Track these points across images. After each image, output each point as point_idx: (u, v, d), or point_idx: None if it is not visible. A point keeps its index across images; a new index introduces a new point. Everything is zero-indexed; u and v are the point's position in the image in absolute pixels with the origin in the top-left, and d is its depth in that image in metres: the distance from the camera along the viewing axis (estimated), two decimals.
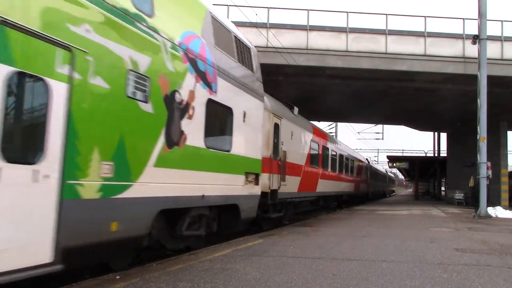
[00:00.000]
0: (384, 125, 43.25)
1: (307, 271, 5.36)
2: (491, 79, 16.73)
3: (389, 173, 65.62)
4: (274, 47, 16.50)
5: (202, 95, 6.77)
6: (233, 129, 7.93)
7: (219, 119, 7.65)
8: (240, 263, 5.75)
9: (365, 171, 31.39)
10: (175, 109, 6.04)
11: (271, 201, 10.62)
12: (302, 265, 5.70)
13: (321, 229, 10.63)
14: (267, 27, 17.19)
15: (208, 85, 6.98)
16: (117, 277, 4.84)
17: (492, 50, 17.38)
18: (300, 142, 13.78)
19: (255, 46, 17.45)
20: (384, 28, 17.94)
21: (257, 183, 9.06)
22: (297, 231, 10.04)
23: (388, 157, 45.06)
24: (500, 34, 18.15)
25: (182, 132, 6.19)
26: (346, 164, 23.15)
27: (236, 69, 8.29)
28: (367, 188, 32.27)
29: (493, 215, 16.50)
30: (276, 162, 11.06)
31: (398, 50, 17.79)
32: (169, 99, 5.91)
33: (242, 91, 8.41)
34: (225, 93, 7.60)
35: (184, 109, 6.28)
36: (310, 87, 20.30)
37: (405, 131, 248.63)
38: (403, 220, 14.25)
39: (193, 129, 6.49)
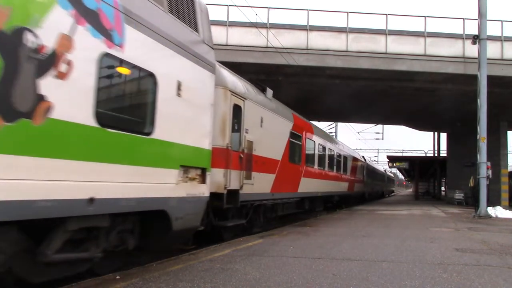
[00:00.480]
0: (384, 125, 43.39)
1: (307, 271, 5.36)
2: (491, 79, 16.75)
3: (388, 173, 65.15)
4: (274, 47, 16.51)
5: (90, 46, 4.54)
6: (157, 104, 5.57)
7: (129, 87, 5.43)
8: (240, 263, 5.75)
9: (361, 169, 29.45)
10: (24, 58, 3.85)
11: (228, 205, 8.37)
12: (302, 265, 5.70)
13: (321, 229, 10.62)
14: (267, 27, 17.21)
15: (105, 33, 4.74)
16: (117, 277, 4.84)
17: (492, 50, 17.41)
18: (274, 132, 11.33)
19: (255, 46, 17.69)
20: (384, 28, 17.96)
21: (203, 181, 6.76)
22: (297, 231, 10.04)
23: (388, 157, 45.16)
24: (500, 34, 18.19)
25: (41, 98, 3.99)
26: (338, 161, 20.97)
27: (166, 21, 5.98)
28: (363, 188, 30.38)
29: (493, 215, 16.51)
30: (236, 154, 8.80)
31: (398, 50, 17.82)
32: (6, 40, 3.70)
33: (175, 53, 6.08)
34: (141, 51, 5.36)
35: (48, 63, 4.07)
36: (310, 87, 20.32)
37: (405, 131, 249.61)
38: (403, 220, 14.25)
39: (70, 96, 4.26)
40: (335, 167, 20.11)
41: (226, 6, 17.09)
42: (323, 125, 38.50)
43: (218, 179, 8.02)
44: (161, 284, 4.53)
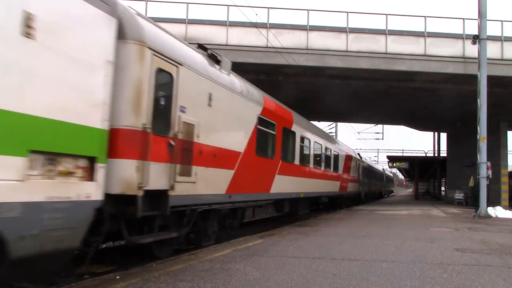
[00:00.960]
0: (384, 125, 43.41)
1: (307, 271, 5.36)
2: (491, 79, 16.76)
3: (387, 172, 64.11)
4: (274, 47, 16.51)
5: None
6: None
7: None
8: (240, 263, 5.75)
9: (355, 167, 26.71)
10: None
11: (147, 212, 5.87)
12: (302, 265, 5.71)
13: (321, 229, 10.63)
14: (267, 27, 17.20)
15: None
16: (117, 277, 4.85)
17: (492, 50, 17.41)
18: (231, 115, 8.77)
19: (255, 46, 17.70)
20: (384, 28, 17.95)
21: (89, 177, 4.77)
22: (297, 231, 10.05)
23: (388, 157, 45.17)
24: (500, 34, 18.18)
25: None
26: (327, 157, 18.39)
27: None
28: (358, 187, 27.65)
29: (493, 215, 16.51)
30: (162, 140, 6.25)
31: (398, 50, 17.81)
32: None
33: None
34: None
35: None
36: (310, 87, 20.32)
37: (405, 131, 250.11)
38: (403, 220, 14.26)
39: None
40: (323, 164, 17.62)
41: (226, 6, 17.10)
42: (323, 125, 38.52)
43: (128, 174, 5.48)
44: (161, 284, 4.53)
